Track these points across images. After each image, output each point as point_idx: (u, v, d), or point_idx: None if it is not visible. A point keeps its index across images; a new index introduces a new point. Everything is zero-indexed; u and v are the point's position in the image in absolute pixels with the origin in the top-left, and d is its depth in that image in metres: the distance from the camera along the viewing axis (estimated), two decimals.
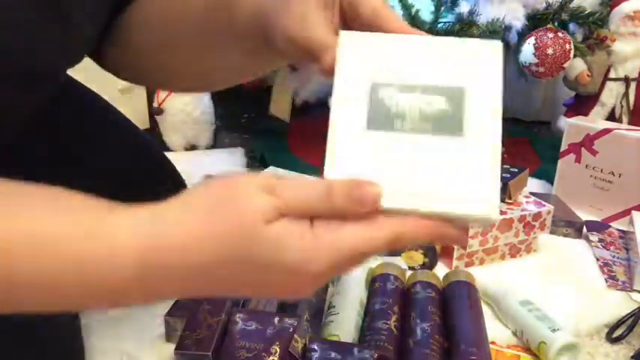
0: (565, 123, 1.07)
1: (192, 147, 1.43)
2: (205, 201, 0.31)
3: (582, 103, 1.26)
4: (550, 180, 1.11)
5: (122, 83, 0.97)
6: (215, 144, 1.47)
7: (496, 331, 0.67)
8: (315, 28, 0.37)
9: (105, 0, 0.50)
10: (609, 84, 1.21)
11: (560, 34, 1.06)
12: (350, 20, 0.39)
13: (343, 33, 0.36)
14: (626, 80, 1.20)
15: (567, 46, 1.06)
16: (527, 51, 1.07)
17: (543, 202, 0.86)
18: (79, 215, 0.30)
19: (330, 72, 0.36)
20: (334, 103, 0.35)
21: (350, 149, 0.34)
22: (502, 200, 0.85)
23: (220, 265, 0.30)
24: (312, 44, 0.37)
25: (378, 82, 0.35)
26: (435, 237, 0.33)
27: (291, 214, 0.30)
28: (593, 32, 1.17)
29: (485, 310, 0.69)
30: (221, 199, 0.31)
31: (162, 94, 1.36)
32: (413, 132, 0.34)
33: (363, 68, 0.36)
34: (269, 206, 0.30)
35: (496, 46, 0.36)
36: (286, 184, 0.31)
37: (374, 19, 0.37)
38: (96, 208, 0.31)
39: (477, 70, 0.35)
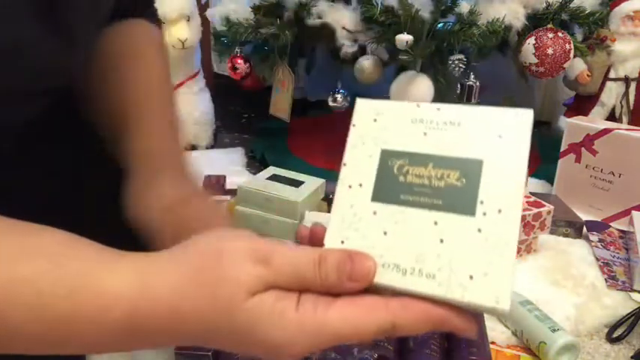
0: (565, 123, 1.07)
1: (192, 147, 1.42)
2: (191, 264, 0.30)
3: (582, 103, 1.26)
4: (550, 180, 1.11)
5: None
6: (215, 144, 1.48)
7: (496, 331, 0.67)
8: None
9: (100, 23, 0.50)
10: (609, 84, 1.21)
11: (560, 34, 1.06)
12: None
13: (359, 100, 0.35)
14: (626, 80, 1.20)
15: (567, 46, 1.06)
16: (527, 51, 1.07)
17: (543, 202, 0.86)
18: (72, 265, 0.30)
19: None
20: (343, 167, 0.34)
21: (352, 221, 0.32)
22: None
23: (203, 331, 0.30)
24: None
25: (388, 149, 0.33)
26: (437, 326, 0.29)
27: (279, 285, 0.29)
28: (593, 32, 1.17)
29: None
30: (205, 267, 0.29)
31: None
32: (420, 207, 0.31)
33: (376, 134, 0.34)
34: (254, 278, 0.28)
35: (525, 116, 0.32)
36: (277, 252, 0.29)
37: None
38: (89, 260, 0.31)
39: (500, 141, 0.32)
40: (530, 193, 0.93)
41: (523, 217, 0.82)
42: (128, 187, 0.46)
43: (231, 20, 1.26)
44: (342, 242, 0.32)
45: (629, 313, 0.71)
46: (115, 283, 0.29)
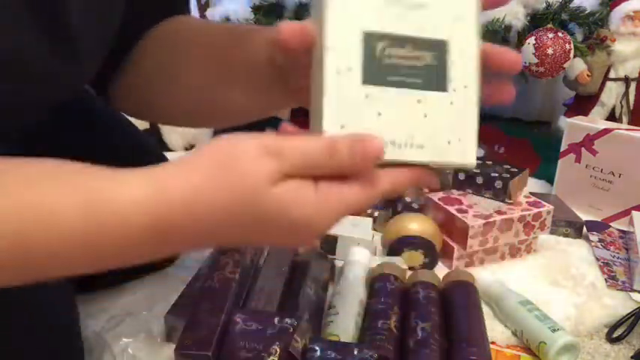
0: (565, 123, 1.07)
1: (192, 147, 1.42)
2: (209, 161, 0.31)
3: (582, 103, 1.26)
4: (550, 180, 1.11)
5: None
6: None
7: (496, 331, 0.67)
8: None
9: (107, 37, 0.51)
10: (609, 84, 1.21)
11: (560, 34, 1.06)
12: None
13: None
14: (626, 80, 1.20)
15: (567, 46, 1.06)
16: (527, 51, 1.07)
17: (543, 202, 0.86)
18: (76, 184, 0.30)
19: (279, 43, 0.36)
20: (326, 52, 0.34)
21: (347, 105, 0.34)
22: (502, 200, 0.85)
23: (228, 221, 0.31)
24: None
25: (370, 31, 0.35)
26: (413, 183, 0.36)
27: (296, 174, 0.31)
28: (593, 32, 1.16)
29: (486, 310, 0.69)
30: (224, 160, 0.31)
31: None
32: (405, 87, 0.35)
33: (353, 15, 0.35)
34: (273, 170, 0.30)
35: None
36: (290, 145, 0.31)
37: None
38: (98, 177, 0.31)
39: (457, 23, 0.36)
40: (530, 193, 0.93)
41: (523, 217, 0.82)
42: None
43: (231, 20, 1.26)
44: (342, 127, 0.34)
45: (629, 313, 0.71)
46: (129, 192, 0.30)
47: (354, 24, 0.34)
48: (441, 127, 0.36)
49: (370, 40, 0.34)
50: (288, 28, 0.34)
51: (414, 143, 0.35)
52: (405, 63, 0.35)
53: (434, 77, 0.35)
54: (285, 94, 0.45)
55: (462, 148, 0.36)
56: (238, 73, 0.48)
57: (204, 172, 0.30)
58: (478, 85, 0.36)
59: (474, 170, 0.88)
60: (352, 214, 0.34)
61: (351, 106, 0.34)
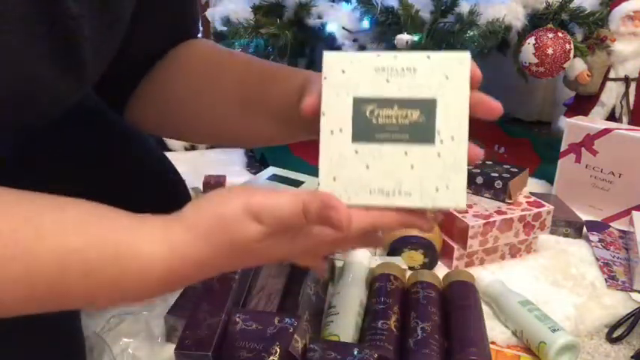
0: (565, 123, 1.07)
1: (192, 147, 1.42)
2: (207, 226, 0.37)
3: (582, 103, 1.26)
4: (550, 180, 1.11)
5: None
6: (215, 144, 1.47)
7: (496, 331, 0.67)
8: None
9: (109, 57, 0.54)
10: (609, 84, 1.21)
11: (560, 34, 1.06)
12: None
13: (326, 53, 0.41)
14: (626, 80, 1.20)
15: (567, 46, 1.06)
16: (527, 51, 1.07)
17: (543, 202, 0.86)
18: (107, 238, 0.36)
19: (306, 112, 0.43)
20: (322, 117, 0.41)
21: (339, 160, 0.40)
22: (502, 200, 0.85)
23: (226, 265, 0.40)
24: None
25: (359, 96, 0.40)
26: (402, 225, 0.41)
27: (275, 233, 0.38)
28: (593, 32, 1.16)
29: (486, 310, 0.69)
30: (219, 226, 0.37)
31: None
32: (392, 142, 0.40)
33: (346, 84, 0.40)
34: (257, 234, 0.37)
35: (464, 58, 0.40)
36: (268, 208, 0.37)
37: None
38: (122, 229, 0.37)
39: (447, 82, 0.40)
40: (530, 193, 0.93)
41: (523, 217, 0.82)
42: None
43: (231, 20, 1.26)
44: (334, 179, 0.40)
45: (629, 313, 0.71)
46: (150, 249, 0.36)
47: (345, 91, 0.40)
48: (428, 176, 0.39)
49: (359, 104, 0.40)
50: (310, 103, 0.42)
51: (402, 191, 0.40)
52: (392, 121, 0.40)
53: (420, 131, 0.40)
54: (308, 130, 0.50)
55: (451, 194, 0.39)
56: (270, 107, 0.55)
57: (204, 237, 0.37)
58: (466, 136, 0.40)
59: (474, 170, 0.88)
60: (335, 246, 0.43)
61: (342, 161, 0.40)
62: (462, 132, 0.40)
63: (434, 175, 0.39)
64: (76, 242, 0.35)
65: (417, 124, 0.40)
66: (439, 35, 1.08)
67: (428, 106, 0.39)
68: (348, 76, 0.40)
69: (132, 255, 0.36)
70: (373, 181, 0.40)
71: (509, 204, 0.84)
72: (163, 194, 0.74)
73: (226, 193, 0.39)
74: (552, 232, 0.92)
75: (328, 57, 0.41)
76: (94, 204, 0.38)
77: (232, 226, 0.37)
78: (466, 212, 0.81)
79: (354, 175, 0.40)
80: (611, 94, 1.22)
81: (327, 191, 0.39)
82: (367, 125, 0.40)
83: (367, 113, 0.40)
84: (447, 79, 0.40)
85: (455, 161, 0.39)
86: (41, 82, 0.43)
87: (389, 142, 0.40)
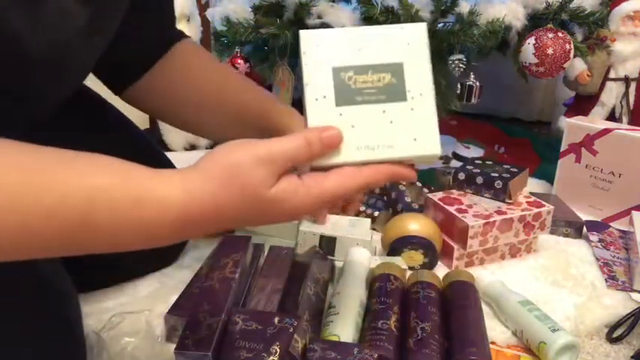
0: (565, 123, 1.07)
1: (192, 147, 1.42)
2: (219, 172, 0.41)
3: (582, 103, 1.26)
4: (550, 180, 1.11)
5: None
6: (215, 144, 1.47)
7: (496, 331, 0.67)
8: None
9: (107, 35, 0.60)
10: (609, 84, 1.21)
11: (560, 34, 1.06)
12: None
13: (302, 32, 0.46)
14: (626, 80, 1.20)
15: (567, 46, 1.06)
16: (527, 51, 1.07)
17: (543, 202, 0.86)
18: (131, 182, 0.40)
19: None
20: (306, 87, 0.45)
21: (326, 122, 0.44)
22: (502, 200, 0.85)
23: (238, 215, 0.42)
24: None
25: (337, 66, 0.45)
26: (391, 177, 0.45)
27: (284, 171, 0.42)
28: (593, 32, 1.16)
29: (486, 310, 0.69)
30: (230, 171, 0.41)
31: None
32: (371, 103, 0.45)
33: (323, 56, 0.45)
34: (267, 176, 0.41)
35: (421, 27, 0.47)
36: (278, 149, 0.41)
37: None
38: (144, 175, 0.41)
39: (409, 47, 0.46)
40: (530, 193, 0.93)
41: (523, 217, 0.82)
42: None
43: (231, 20, 1.26)
44: None
45: (629, 313, 0.71)
46: (167, 192, 0.40)
47: (324, 63, 0.45)
48: (405, 129, 0.45)
49: (338, 72, 0.45)
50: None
51: (385, 144, 0.45)
52: (369, 85, 0.45)
53: (394, 91, 0.45)
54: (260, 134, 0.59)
55: (426, 142, 0.45)
56: (251, 121, 0.70)
57: (218, 183, 0.41)
58: (432, 91, 0.46)
59: (474, 170, 0.88)
60: (332, 203, 0.48)
61: (329, 123, 0.44)
62: (428, 88, 0.46)
63: (410, 127, 0.45)
64: (103, 181, 0.38)
65: (390, 85, 0.45)
66: (439, 35, 1.08)
67: (397, 69, 0.45)
68: (324, 49, 0.45)
69: (152, 197, 0.39)
70: (359, 139, 0.44)
71: (509, 204, 0.85)
72: None
73: (236, 143, 0.43)
74: (552, 232, 0.93)
75: (305, 34, 0.46)
76: (118, 158, 0.41)
77: (242, 172, 0.40)
78: (466, 212, 0.81)
79: (342, 136, 0.44)
80: (611, 94, 1.22)
81: None
82: (347, 90, 0.45)
83: (346, 79, 0.45)
84: (408, 45, 0.46)
85: (426, 113, 0.45)
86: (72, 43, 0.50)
87: (368, 103, 0.45)
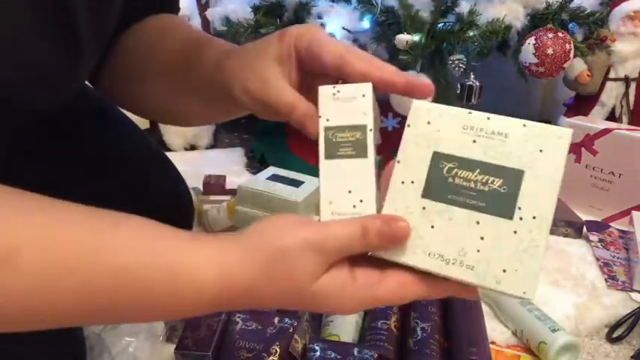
0: (565, 123, 1.07)
1: (192, 147, 1.42)
2: (262, 256, 0.36)
3: (582, 103, 1.26)
4: None
5: None
6: (215, 144, 1.47)
7: (496, 331, 0.67)
8: (277, 90, 0.42)
9: (106, 34, 0.52)
10: (609, 84, 1.21)
11: (560, 34, 1.06)
12: (311, 69, 0.42)
13: (416, 102, 0.39)
14: (626, 80, 1.20)
15: (567, 46, 1.06)
16: (527, 51, 1.07)
17: None
18: (162, 260, 0.36)
19: (300, 125, 0.41)
20: (397, 164, 0.38)
21: (404, 213, 0.37)
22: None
23: (277, 303, 0.38)
24: (276, 106, 0.42)
25: (440, 152, 0.37)
26: (454, 296, 0.38)
27: (334, 261, 0.36)
28: (593, 32, 1.17)
29: (486, 310, 0.69)
30: (274, 257, 0.36)
31: None
32: (465, 207, 0.36)
33: (429, 136, 0.38)
34: (316, 266, 0.36)
35: (565, 135, 0.36)
36: (328, 238, 0.36)
37: (340, 65, 0.41)
38: (176, 249, 0.37)
39: (540, 156, 0.36)
40: None
41: None
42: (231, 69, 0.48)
43: (231, 20, 1.26)
44: None
45: (629, 313, 0.71)
46: (204, 274, 0.36)
47: (427, 143, 0.38)
48: (497, 253, 0.35)
49: (439, 159, 0.37)
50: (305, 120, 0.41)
51: (464, 262, 0.35)
52: (470, 185, 0.36)
53: (499, 202, 0.35)
54: (235, 105, 0.48)
55: (518, 280, 0.35)
56: (195, 88, 0.52)
57: (259, 268, 0.36)
58: (551, 218, 0.35)
59: None
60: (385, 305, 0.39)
61: (406, 214, 0.37)
62: (546, 213, 0.35)
63: (505, 254, 0.35)
64: (132, 262, 0.35)
65: (497, 194, 0.36)
66: (439, 35, 1.08)
67: (513, 177, 0.36)
68: (432, 128, 0.38)
69: (185, 277, 0.36)
70: (434, 244, 0.36)
71: None
72: (166, 196, 0.74)
73: (286, 222, 0.38)
74: (552, 232, 0.93)
75: (417, 105, 0.39)
76: (146, 221, 0.37)
77: (289, 260, 0.36)
78: None
79: (416, 232, 0.36)
80: (611, 94, 1.22)
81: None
82: (442, 183, 0.37)
83: (445, 171, 0.37)
84: (541, 152, 0.36)
85: (532, 244, 0.35)
86: (37, 61, 0.42)
87: (462, 206, 0.36)
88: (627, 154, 0.96)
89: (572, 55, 1.07)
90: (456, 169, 0.37)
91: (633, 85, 1.20)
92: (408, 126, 0.38)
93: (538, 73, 1.08)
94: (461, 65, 1.07)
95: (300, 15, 1.18)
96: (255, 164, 1.30)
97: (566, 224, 0.94)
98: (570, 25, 1.16)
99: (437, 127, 0.38)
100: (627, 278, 0.81)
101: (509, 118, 0.37)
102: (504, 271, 0.35)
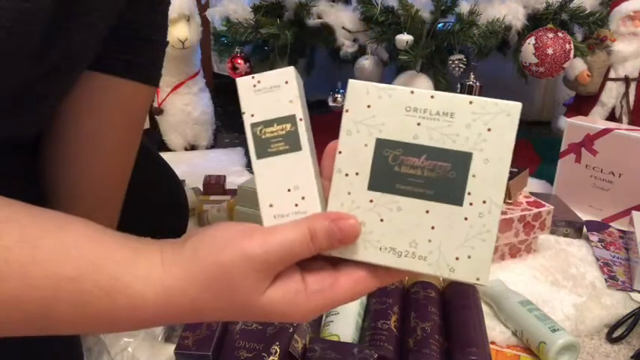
0: (565, 123, 1.07)
1: (192, 147, 1.42)
2: (203, 274, 0.35)
3: (582, 103, 1.26)
4: (550, 180, 1.11)
5: None
6: (215, 144, 1.48)
7: (496, 331, 0.67)
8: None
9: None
10: (609, 84, 1.21)
11: (560, 34, 1.06)
12: None
13: (352, 82, 0.36)
14: (626, 80, 1.20)
15: (567, 46, 1.06)
16: (527, 51, 1.07)
17: (543, 202, 0.86)
18: (102, 273, 0.35)
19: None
20: (338, 154, 0.36)
21: (350, 207, 0.36)
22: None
23: (222, 317, 0.37)
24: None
25: (384, 138, 0.35)
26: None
27: (281, 269, 0.35)
28: (593, 32, 1.17)
29: (486, 310, 0.69)
30: (216, 275, 0.35)
31: (162, 94, 1.36)
32: (414, 197, 0.35)
33: (370, 122, 0.35)
34: (259, 282, 0.34)
35: (513, 109, 0.34)
36: (272, 250, 0.34)
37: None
38: (119, 263, 0.35)
39: (489, 135, 0.34)
40: (530, 193, 0.93)
41: (523, 217, 0.82)
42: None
43: (231, 20, 1.26)
44: None
45: (629, 313, 0.71)
46: (144, 290, 0.35)
47: (368, 130, 0.35)
48: (449, 241, 0.34)
49: (382, 147, 0.35)
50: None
51: (417, 253, 0.35)
52: (417, 172, 0.35)
53: (448, 189, 0.34)
54: None
55: (472, 266, 0.34)
56: None
57: (201, 287, 0.35)
58: (501, 200, 0.34)
59: None
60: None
61: (353, 209, 0.35)
62: (496, 195, 0.34)
63: (456, 241, 0.34)
64: (72, 271, 0.34)
65: (446, 180, 0.34)
66: (439, 35, 1.08)
67: (461, 161, 0.34)
68: (373, 112, 0.35)
69: (125, 292, 0.35)
70: (385, 238, 0.35)
71: (509, 204, 0.85)
72: (161, 193, 0.74)
73: (225, 237, 0.35)
74: (552, 232, 0.93)
75: (354, 86, 0.36)
76: (92, 226, 0.36)
77: (230, 277, 0.34)
78: None
79: (366, 227, 0.35)
80: (611, 94, 1.22)
81: None
82: (388, 173, 0.35)
83: (390, 159, 0.35)
84: (490, 131, 0.34)
85: (483, 229, 0.34)
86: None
87: (410, 195, 0.35)
88: (627, 154, 0.96)
89: (572, 55, 1.08)
90: (401, 157, 0.35)
91: (633, 85, 1.20)
92: (347, 111, 0.36)
93: (538, 73, 1.08)
94: (461, 65, 1.07)
95: (300, 15, 1.18)
96: None
97: (566, 224, 0.94)
98: (570, 25, 1.16)
99: (378, 110, 0.35)
100: (627, 278, 0.81)
101: (455, 95, 0.35)
102: (457, 258, 0.34)
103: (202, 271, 0.35)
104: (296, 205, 0.36)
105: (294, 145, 0.36)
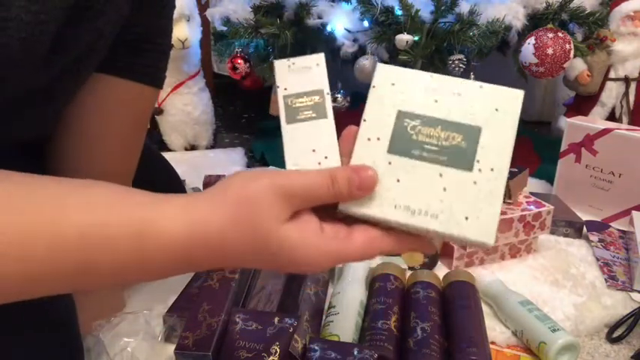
0: (565, 123, 1.07)
1: (192, 147, 1.42)
2: (232, 205, 0.36)
3: (582, 103, 1.26)
4: (550, 180, 1.11)
5: None
6: (215, 144, 1.48)
7: (496, 331, 0.67)
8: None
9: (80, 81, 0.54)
10: (609, 84, 1.21)
11: (560, 34, 1.06)
12: None
13: (380, 65, 0.41)
14: (626, 80, 1.20)
15: (567, 46, 1.06)
16: (527, 51, 1.07)
17: (543, 202, 0.86)
18: (130, 216, 0.36)
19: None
20: (363, 122, 0.40)
21: (372, 167, 0.38)
22: (502, 201, 0.85)
23: (243, 260, 0.38)
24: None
25: (404, 110, 0.40)
26: (415, 250, 0.41)
27: (303, 207, 0.37)
28: (593, 32, 1.17)
29: (486, 310, 0.69)
30: (244, 204, 0.36)
31: (162, 94, 1.36)
32: (429, 162, 0.39)
33: (393, 97, 0.40)
34: (281, 209, 0.36)
35: (517, 95, 0.40)
36: (296, 185, 0.36)
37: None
38: (145, 206, 0.37)
39: (496, 114, 0.39)
40: (530, 193, 0.93)
41: (523, 217, 0.82)
42: None
43: (231, 20, 1.26)
44: None
45: (629, 313, 0.71)
46: (171, 228, 0.36)
47: (391, 103, 0.40)
48: (459, 202, 0.38)
49: (403, 117, 0.40)
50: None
51: (429, 212, 0.38)
52: (432, 141, 0.39)
53: (460, 156, 0.38)
54: None
55: (479, 226, 0.37)
56: None
57: (226, 216, 0.36)
58: (506, 171, 0.38)
59: None
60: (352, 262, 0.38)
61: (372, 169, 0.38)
62: (502, 165, 0.38)
63: (466, 202, 0.38)
64: (100, 218, 0.35)
65: (458, 149, 0.39)
66: (439, 35, 1.08)
67: (472, 133, 0.39)
68: (396, 89, 0.40)
69: (154, 233, 0.36)
70: (401, 197, 0.38)
71: (509, 204, 0.84)
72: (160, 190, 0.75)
73: (253, 172, 0.38)
74: (552, 232, 0.93)
75: (381, 68, 0.41)
76: (117, 185, 0.38)
77: (256, 203, 0.36)
78: None
79: (383, 186, 0.38)
80: (611, 94, 1.22)
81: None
82: (406, 139, 0.39)
83: (409, 128, 0.39)
84: (497, 110, 0.39)
85: (490, 193, 0.38)
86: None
87: (425, 160, 0.39)
88: (627, 154, 0.96)
89: (572, 55, 1.07)
90: (419, 127, 0.39)
91: (633, 85, 1.20)
92: (373, 87, 0.41)
93: (538, 73, 1.08)
94: (461, 65, 1.07)
95: (300, 15, 1.18)
96: (255, 164, 1.30)
97: (566, 224, 0.94)
98: (570, 25, 1.16)
99: (400, 88, 0.40)
100: (627, 278, 0.81)
101: (466, 80, 0.40)
102: (466, 218, 0.37)
103: (226, 202, 0.36)
104: (319, 163, 0.41)
105: (320, 114, 0.42)
